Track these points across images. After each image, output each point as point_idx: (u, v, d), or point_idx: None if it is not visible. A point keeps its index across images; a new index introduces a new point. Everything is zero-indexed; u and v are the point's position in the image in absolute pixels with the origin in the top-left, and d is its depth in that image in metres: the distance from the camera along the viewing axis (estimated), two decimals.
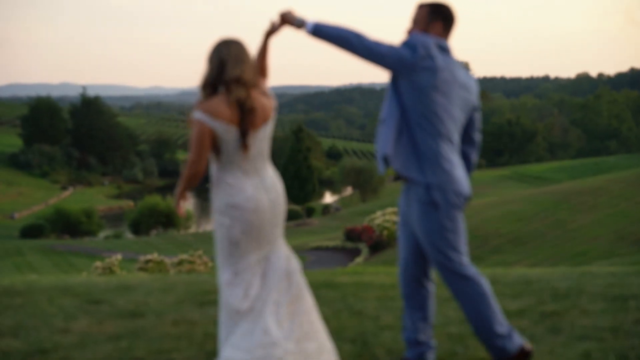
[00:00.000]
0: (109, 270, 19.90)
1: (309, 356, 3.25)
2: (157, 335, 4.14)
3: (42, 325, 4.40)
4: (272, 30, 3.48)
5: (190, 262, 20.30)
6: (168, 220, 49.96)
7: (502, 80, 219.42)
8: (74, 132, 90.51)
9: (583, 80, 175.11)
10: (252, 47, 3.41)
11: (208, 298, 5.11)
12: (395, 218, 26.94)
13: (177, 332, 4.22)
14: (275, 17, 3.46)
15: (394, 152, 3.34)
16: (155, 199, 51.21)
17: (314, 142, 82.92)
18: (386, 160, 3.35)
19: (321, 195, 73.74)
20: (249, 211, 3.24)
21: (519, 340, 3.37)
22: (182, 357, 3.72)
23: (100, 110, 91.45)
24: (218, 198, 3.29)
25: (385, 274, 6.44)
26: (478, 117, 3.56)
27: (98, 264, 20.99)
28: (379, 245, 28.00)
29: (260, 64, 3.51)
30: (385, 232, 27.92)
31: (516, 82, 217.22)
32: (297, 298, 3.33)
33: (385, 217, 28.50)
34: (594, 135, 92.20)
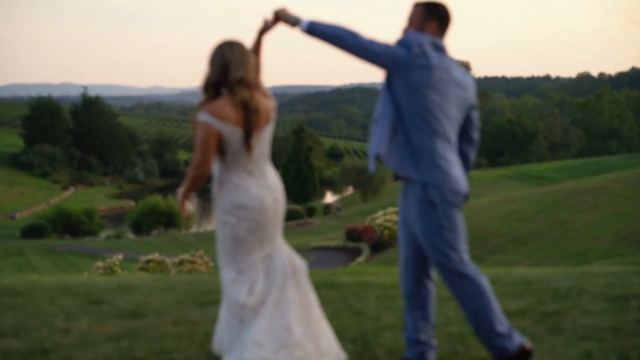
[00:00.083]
0: (110, 270, 19.89)
1: (323, 353, 3.35)
2: (158, 335, 4.14)
3: (42, 325, 4.40)
4: (265, 28, 3.48)
5: (191, 262, 20.29)
6: (169, 220, 49.97)
7: (503, 80, 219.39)
8: (75, 132, 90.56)
9: (584, 79, 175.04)
10: (247, 46, 3.42)
11: (209, 298, 5.12)
12: (396, 218, 26.92)
13: (178, 332, 4.22)
14: (269, 15, 3.46)
15: (388, 151, 3.34)
16: (156, 199, 51.20)
17: (315, 142, 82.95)
18: (377, 159, 3.36)
19: (322, 195, 73.76)
20: (255, 210, 3.28)
21: (519, 340, 3.36)
22: (183, 357, 3.72)
23: (101, 110, 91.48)
24: (223, 198, 3.31)
25: (386, 273, 6.44)
26: (476, 115, 3.55)
27: (99, 264, 20.98)
28: (380, 245, 27.99)
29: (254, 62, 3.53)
30: (386, 232, 27.91)
31: (517, 81, 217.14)
32: (306, 294, 3.41)
33: (386, 216, 28.48)
34: (594, 135, 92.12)
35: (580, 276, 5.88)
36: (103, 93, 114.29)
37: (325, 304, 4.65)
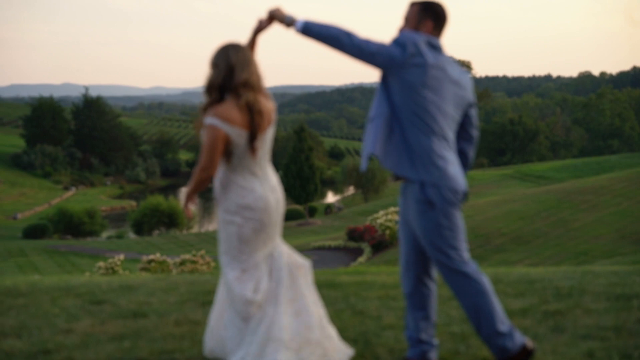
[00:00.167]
0: (112, 271, 19.88)
1: (337, 350, 3.43)
2: (160, 336, 4.14)
3: (44, 325, 4.40)
4: (260, 28, 3.49)
5: (193, 262, 20.28)
6: (170, 220, 49.93)
7: (505, 79, 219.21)
8: (76, 133, 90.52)
9: (585, 79, 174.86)
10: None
11: (211, 298, 5.11)
12: (397, 217, 26.91)
13: (180, 332, 4.22)
14: (264, 15, 3.46)
15: (384, 152, 3.34)
16: (157, 199, 51.15)
17: (316, 142, 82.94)
18: (371, 159, 3.37)
19: (323, 195, 73.75)
20: (261, 210, 3.33)
21: (521, 339, 3.36)
22: (185, 357, 3.72)
23: (103, 111, 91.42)
24: (228, 199, 3.34)
25: (388, 273, 6.44)
26: (474, 113, 3.55)
27: (101, 264, 20.96)
28: (381, 244, 27.98)
29: None
30: (387, 232, 27.90)
31: (518, 81, 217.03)
32: (312, 292, 3.48)
33: (387, 216, 28.46)
34: (596, 134, 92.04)
35: (582, 275, 5.88)
36: (104, 93, 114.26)
37: (327, 303, 4.65)
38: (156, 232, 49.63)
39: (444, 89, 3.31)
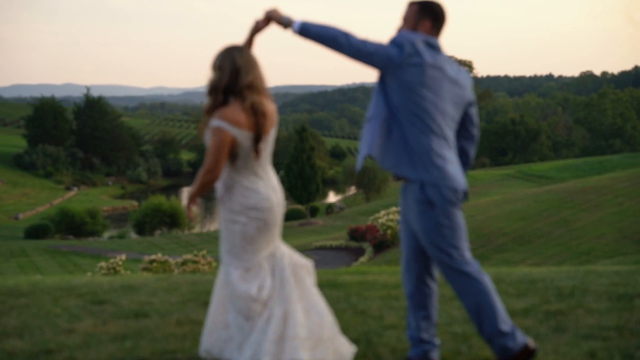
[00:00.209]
0: (113, 271, 19.91)
1: (345, 345, 3.46)
2: (162, 336, 4.14)
3: (46, 325, 4.40)
4: (257, 29, 3.47)
5: (195, 262, 20.30)
6: (172, 220, 49.95)
7: (506, 79, 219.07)
8: (78, 133, 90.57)
9: (587, 78, 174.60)
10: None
11: None
12: (398, 217, 26.89)
13: (182, 332, 4.22)
14: (261, 16, 3.45)
15: (383, 152, 3.34)
16: (159, 199, 51.17)
17: (317, 142, 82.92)
18: (367, 158, 3.38)
19: (325, 195, 73.77)
20: (265, 211, 3.35)
21: (522, 339, 3.36)
22: (187, 357, 3.72)
23: (104, 111, 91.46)
24: (232, 200, 3.36)
25: (389, 273, 6.44)
26: (474, 112, 3.55)
27: (102, 264, 20.98)
28: (382, 244, 27.97)
29: None
30: (389, 232, 27.89)
31: (520, 80, 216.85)
32: (315, 287, 3.51)
33: (389, 216, 28.46)
34: (598, 133, 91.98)
35: (584, 275, 5.88)
36: (106, 93, 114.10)
37: (329, 303, 4.64)
38: (158, 232, 49.65)
39: (442, 88, 3.31)
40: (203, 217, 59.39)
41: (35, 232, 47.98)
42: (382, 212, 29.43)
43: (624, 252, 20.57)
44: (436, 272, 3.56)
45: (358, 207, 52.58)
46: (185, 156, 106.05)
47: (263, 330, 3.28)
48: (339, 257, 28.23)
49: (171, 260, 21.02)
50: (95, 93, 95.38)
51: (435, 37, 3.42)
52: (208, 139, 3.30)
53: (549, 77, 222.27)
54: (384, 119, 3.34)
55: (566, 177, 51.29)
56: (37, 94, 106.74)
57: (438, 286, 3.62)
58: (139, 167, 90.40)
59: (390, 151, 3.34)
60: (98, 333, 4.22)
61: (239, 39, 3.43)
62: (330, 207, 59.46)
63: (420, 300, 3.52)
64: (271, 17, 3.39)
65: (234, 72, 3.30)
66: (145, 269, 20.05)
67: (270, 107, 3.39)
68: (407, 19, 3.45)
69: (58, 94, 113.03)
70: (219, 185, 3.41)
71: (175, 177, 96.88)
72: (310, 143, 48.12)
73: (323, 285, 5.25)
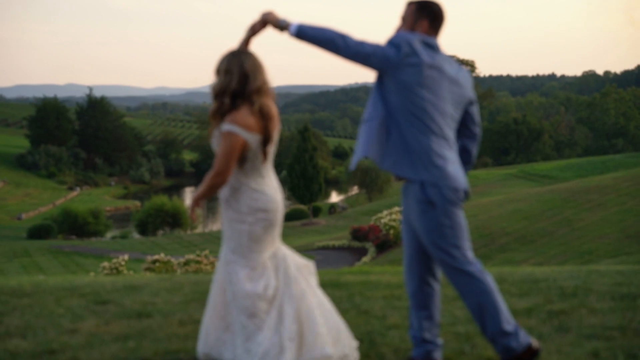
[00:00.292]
0: (116, 271, 19.93)
1: (352, 345, 3.50)
2: (164, 336, 4.15)
3: (49, 325, 4.41)
4: (253, 32, 3.44)
5: (197, 262, 20.31)
6: (175, 220, 49.99)
7: (508, 79, 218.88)
8: (80, 133, 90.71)
9: (589, 78, 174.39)
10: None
11: None
12: (401, 217, 26.88)
13: (184, 332, 4.22)
14: (256, 18, 3.42)
15: (382, 153, 3.33)
16: (161, 199, 51.21)
17: (320, 142, 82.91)
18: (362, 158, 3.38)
19: (327, 195, 73.72)
20: (273, 211, 3.40)
21: (526, 339, 3.35)
22: (189, 357, 3.72)
23: (107, 111, 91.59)
24: (239, 202, 3.38)
25: (392, 273, 6.44)
26: (475, 110, 3.55)
27: (105, 264, 21.01)
28: (385, 244, 27.96)
29: None
30: (391, 231, 27.88)
31: (522, 80, 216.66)
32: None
33: (391, 216, 28.45)
34: (600, 133, 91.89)
35: (587, 275, 5.87)
36: (108, 94, 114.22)
37: (331, 303, 4.65)
38: (160, 232, 49.68)
39: (441, 87, 3.31)
40: (205, 217, 59.41)
41: (38, 232, 48.03)
42: (385, 212, 29.43)
43: (627, 252, 20.53)
44: (439, 272, 3.56)
45: (360, 207, 52.56)
46: (188, 156, 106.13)
47: (276, 329, 3.30)
48: (342, 257, 28.22)
49: (174, 260, 21.04)
50: (97, 93, 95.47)
51: (434, 37, 3.41)
52: (217, 143, 3.33)
53: (552, 76, 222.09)
54: (382, 120, 3.33)
55: (569, 177, 51.21)
56: (39, 94, 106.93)
57: (441, 286, 3.62)
58: (141, 167, 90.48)
59: (390, 152, 3.33)
60: (101, 333, 4.23)
61: (239, 40, 3.41)
62: (332, 207, 59.44)
63: (422, 300, 3.51)
64: (267, 21, 3.37)
65: (243, 76, 3.33)
66: (147, 269, 20.07)
67: (274, 109, 3.42)
68: (405, 19, 3.45)
69: (60, 95, 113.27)
70: (225, 187, 3.43)
71: (178, 177, 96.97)
72: (313, 143, 48.11)
73: (326, 285, 5.25)
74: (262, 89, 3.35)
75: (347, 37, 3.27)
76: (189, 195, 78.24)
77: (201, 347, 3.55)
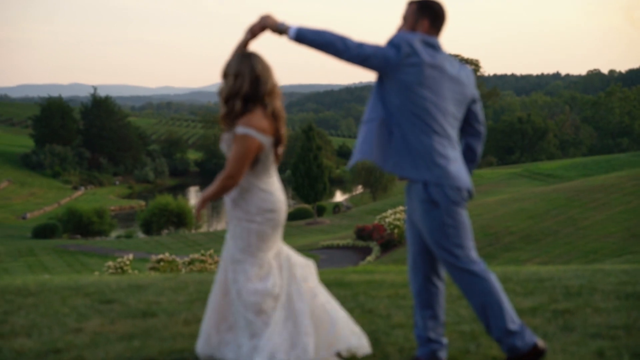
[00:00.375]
0: (121, 270, 19.94)
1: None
2: (169, 335, 4.15)
3: (54, 324, 4.42)
4: (251, 35, 3.41)
5: (202, 262, 20.30)
6: (179, 219, 50.04)
7: (513, 78, 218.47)
8: (85, 133, 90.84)
9: (594, 77, 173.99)
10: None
11: None
12: (405, 216, 26.84)
13: (189, 331, 4.23)
14: (254, 22, 3.39)
15: (383, 154, 3.32)
16: (166, 199, 51.27)
17: (324, 141, 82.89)
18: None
19: (332, 194, 73.70)
20: (279, 211, 3.44)
21: (532, 338, 3.34)
22: (194, 356, 3.72)
23: (111, 111, 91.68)
24: (249, 202, 3.40)
25: (396, 272, 6.43)
26: (478, 108, 3.54)
27: (110, 263, 21.01)
28: (389, 243, 27.96)
29: None
30: (396, 231, 27.88)
31: (527, 79, 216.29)
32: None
33: (396, 215, 28.45)
34: (605, 132, 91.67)
35: (592, 274, 5.85)
36: (113, 93, 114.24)
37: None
38: (165, 231, 49.75)
39: (442, 87, 3.30)
40: (210, 216, 59.49)
41: (43, 231, 48.14)
42: (389, 211, 29.43)
43: (632, 251, 20.49)
44: (443, 271, 3.55)
45: (365, 206, 52.56)
46: (192, 156, 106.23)
47: (284, 324, 3.33)
48: (346, 256, 28.22)
49: (178, 259, 21.04)
50: (102, 93, 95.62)
51: (435, 36, 3.40)
52: (228, 146, 3.35)
53: (556, 75, 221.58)
54: (382, 120, 3.32)
55: (573, 176, 51.10)
56: (44, 94, 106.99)
57: (445, 285, 3.61)
58: (146, 166, 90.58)
59: (392, 153, 3.33)
60: (106, 332, 4.24)
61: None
62: (337, 207, 59.46)
63: (427, 299, 3.51)
64: (266, 25, 3.35)
65: (255, 79, 3.34)
66: (152, 269, 20.06)
67: (283, 110, 3.47)
68: (406, 18, 3.44)
69: (65, 94, 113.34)
70: (241, 188, 3.45)
71: (182, 176, 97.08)
72: (317, 142, 48.11)
73: (330, 284, 5.25)
74: (273, 91, 3.37)
75: (346, 39, 3.26)
76: (193, 195, 78.34)
77: (201, 348, 3.56)
